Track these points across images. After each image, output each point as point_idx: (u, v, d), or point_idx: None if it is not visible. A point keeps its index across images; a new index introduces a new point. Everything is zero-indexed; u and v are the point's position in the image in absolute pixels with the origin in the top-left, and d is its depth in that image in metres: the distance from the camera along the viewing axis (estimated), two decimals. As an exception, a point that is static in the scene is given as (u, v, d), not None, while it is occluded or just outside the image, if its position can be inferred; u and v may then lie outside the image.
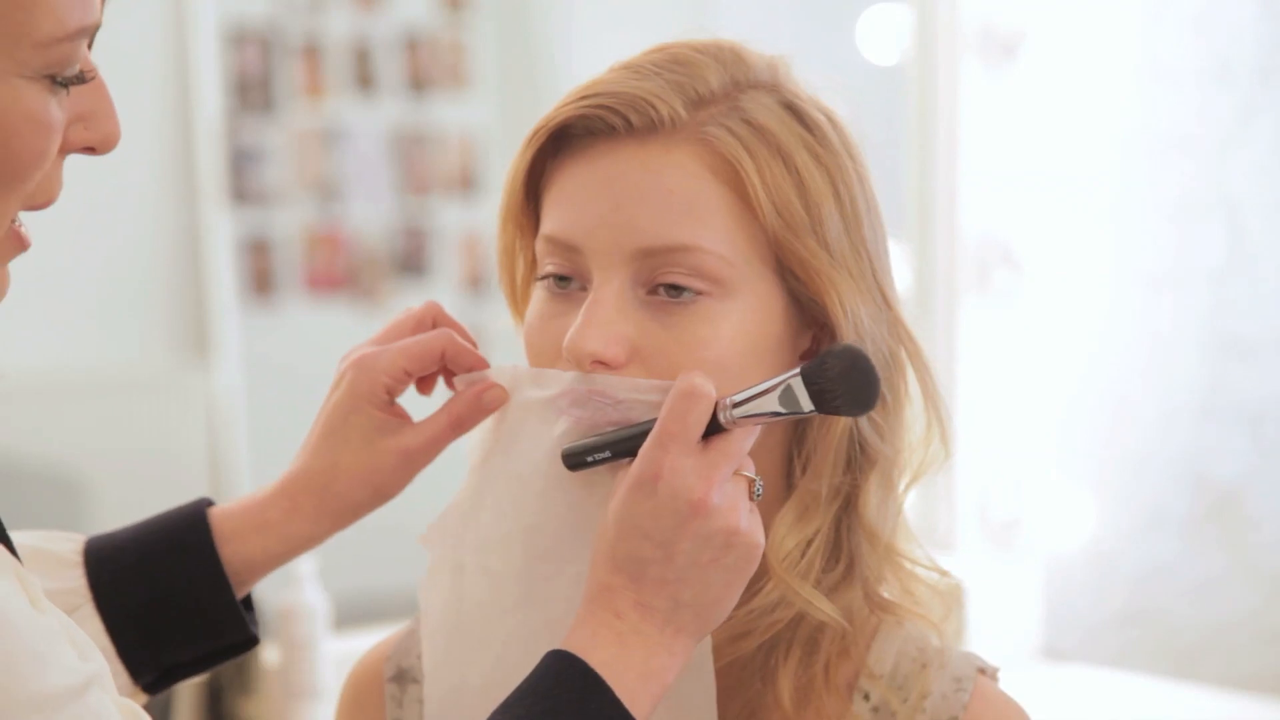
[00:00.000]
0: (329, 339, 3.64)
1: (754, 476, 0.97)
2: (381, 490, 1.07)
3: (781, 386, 0.95)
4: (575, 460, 0.99)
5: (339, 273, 3.59)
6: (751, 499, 0.97)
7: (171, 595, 1.05)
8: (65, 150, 0.84)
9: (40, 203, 0.84)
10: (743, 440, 0.96)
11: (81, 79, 0.83)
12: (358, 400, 1.05)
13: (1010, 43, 2.68)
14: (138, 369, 2.78)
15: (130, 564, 1.05)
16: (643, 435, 0.97)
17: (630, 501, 0.95)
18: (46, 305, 2.58)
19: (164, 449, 2.74)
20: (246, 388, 2.69)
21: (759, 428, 0.97)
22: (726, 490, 0.95)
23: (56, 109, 0.81)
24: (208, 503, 1.08)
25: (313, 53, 3.50)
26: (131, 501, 2.78)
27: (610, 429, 0.99)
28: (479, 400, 1.04)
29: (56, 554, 1.06)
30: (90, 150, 0.86)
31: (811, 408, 0.95)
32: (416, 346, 1.05)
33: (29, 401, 2.61)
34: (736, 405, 0.96)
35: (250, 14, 3.39)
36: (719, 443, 0.96)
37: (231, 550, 1.06)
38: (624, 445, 0.98)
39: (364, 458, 1.05)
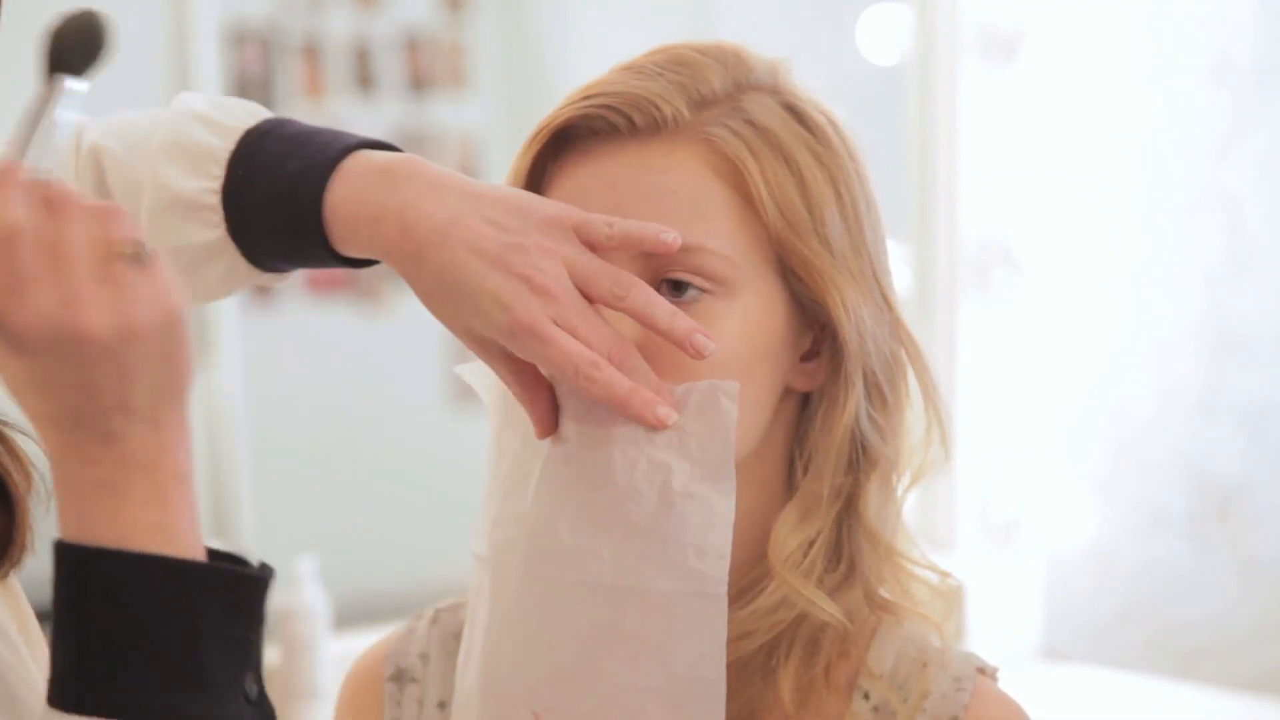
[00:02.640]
0: (329, 339, 3.65)
1: (120, 240, 0.78)
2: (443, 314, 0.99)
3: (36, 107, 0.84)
4: None
5: (339, 273, 3.58)
6: (134, 261, 0.78)
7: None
8: None
9: None
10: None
11: None
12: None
13: (1010, 43, 2.69)
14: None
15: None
16: None
17: (8, 364, 0.79)
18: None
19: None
20: (246, 388, 2.69)
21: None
22: (83, 295, 0.77)
23: None
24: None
25: (313, 53, 3.50)
26: (131, 501, 2.78)
27: None
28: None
29: (208, 148, 1.02)
30: None
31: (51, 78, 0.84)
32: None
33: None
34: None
35: (250, 14, 3.39)
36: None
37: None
38: None
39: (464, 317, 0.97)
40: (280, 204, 1.00)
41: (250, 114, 1.05)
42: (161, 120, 1.05)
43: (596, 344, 0.95)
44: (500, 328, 0.95)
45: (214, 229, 1.02)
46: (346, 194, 0.98)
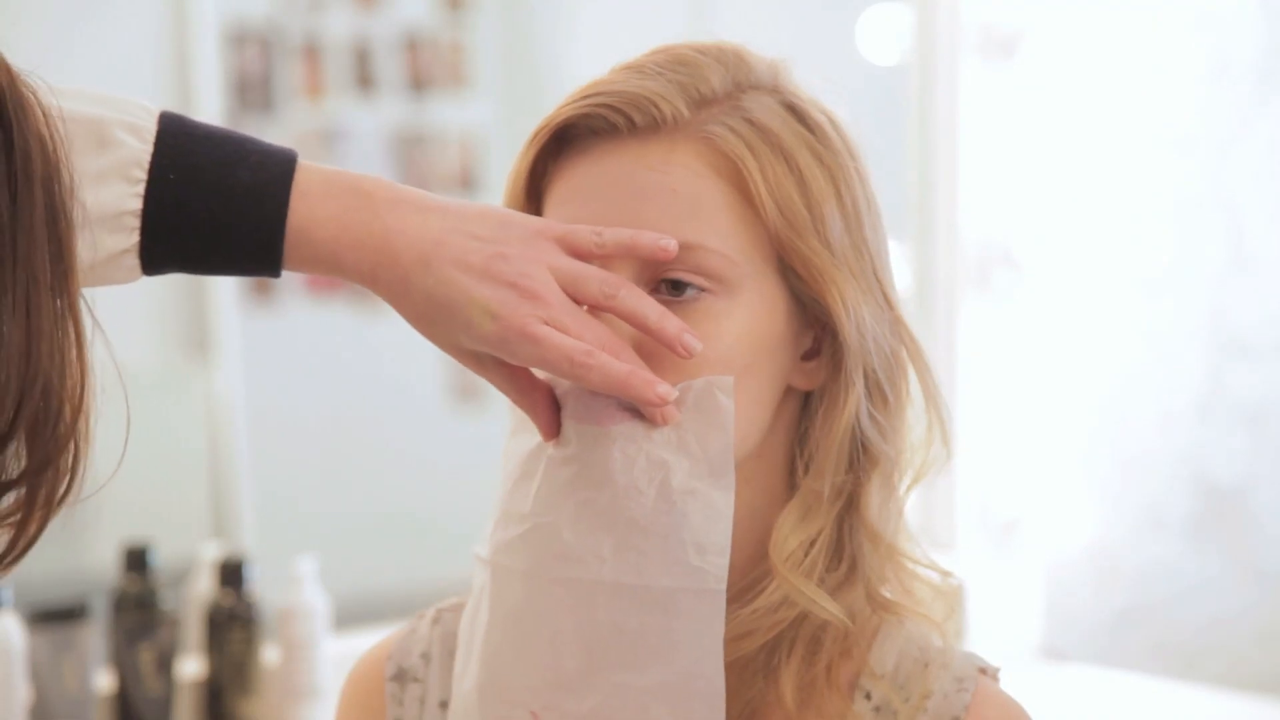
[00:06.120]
0: (329, 339, 3.65)
1: None
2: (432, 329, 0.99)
3: None
4: None
5: (339, 273, 3.57)
6: None
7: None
8: None
9: None
10: None
11: None
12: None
13: (1010, 42, 2.68)
14: (137, 369, 2.78)
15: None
16: None
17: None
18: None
19: (164, 449, 2.74)
20: (246, 388, 2.69)
21: None
22: None
23: None
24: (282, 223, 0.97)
25: (313, 53, 3.50)
26: (132, 502, 2.79)
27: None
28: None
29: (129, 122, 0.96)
30: None
31: None
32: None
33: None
34: None
35: (250, 14, 3.39)
36: None
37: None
38: None
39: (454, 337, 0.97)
40: (233, 218, 0.95)
41: (143, 110, 0.97)
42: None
43: (590, 340, 0.95)
44: (490, 337, 0.94)
45: (128, 236, 0.96)
46: (317, 217, 0.96)
